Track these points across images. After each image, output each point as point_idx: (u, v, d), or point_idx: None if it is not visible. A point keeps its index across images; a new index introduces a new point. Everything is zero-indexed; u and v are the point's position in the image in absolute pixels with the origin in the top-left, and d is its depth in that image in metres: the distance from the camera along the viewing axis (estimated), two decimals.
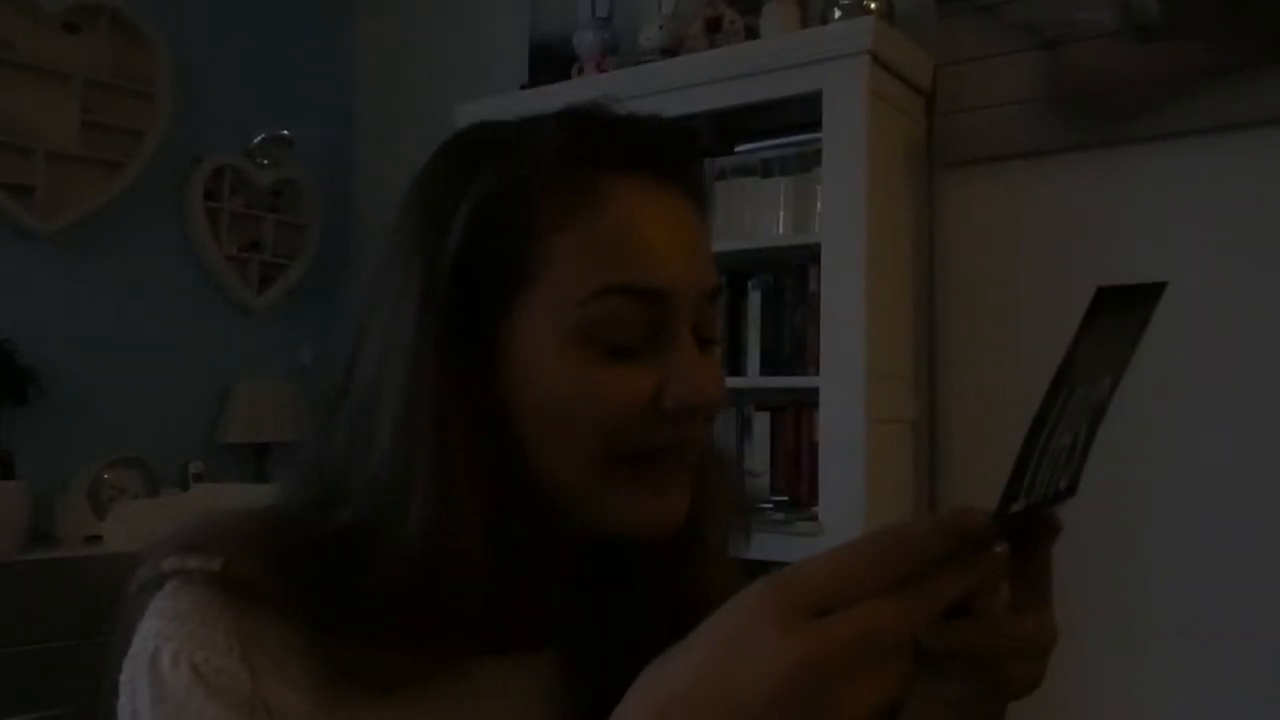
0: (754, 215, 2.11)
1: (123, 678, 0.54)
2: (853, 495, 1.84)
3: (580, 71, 2.41)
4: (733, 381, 2.09)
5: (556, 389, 0.55)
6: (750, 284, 2.12)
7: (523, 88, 2.49)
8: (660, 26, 2.31)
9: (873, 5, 2.04)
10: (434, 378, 0.55)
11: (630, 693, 0.40)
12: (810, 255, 1.98)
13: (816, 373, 1.93)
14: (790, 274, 2.07)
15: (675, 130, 0.61)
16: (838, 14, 2.05)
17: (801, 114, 1.99)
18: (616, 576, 0.63)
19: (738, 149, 2.16)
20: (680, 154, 0.61)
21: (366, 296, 0.60)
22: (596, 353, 0.55)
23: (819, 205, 1.99)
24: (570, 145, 0.58)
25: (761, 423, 2.12)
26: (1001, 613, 0.47)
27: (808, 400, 1.99)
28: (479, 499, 0.55)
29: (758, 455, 2.11)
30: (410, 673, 0.54)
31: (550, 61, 2.52)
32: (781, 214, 2.08)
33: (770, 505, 2.03)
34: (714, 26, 2.22)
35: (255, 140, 2.98)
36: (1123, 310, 0.41)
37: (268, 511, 0.59)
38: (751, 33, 2.17)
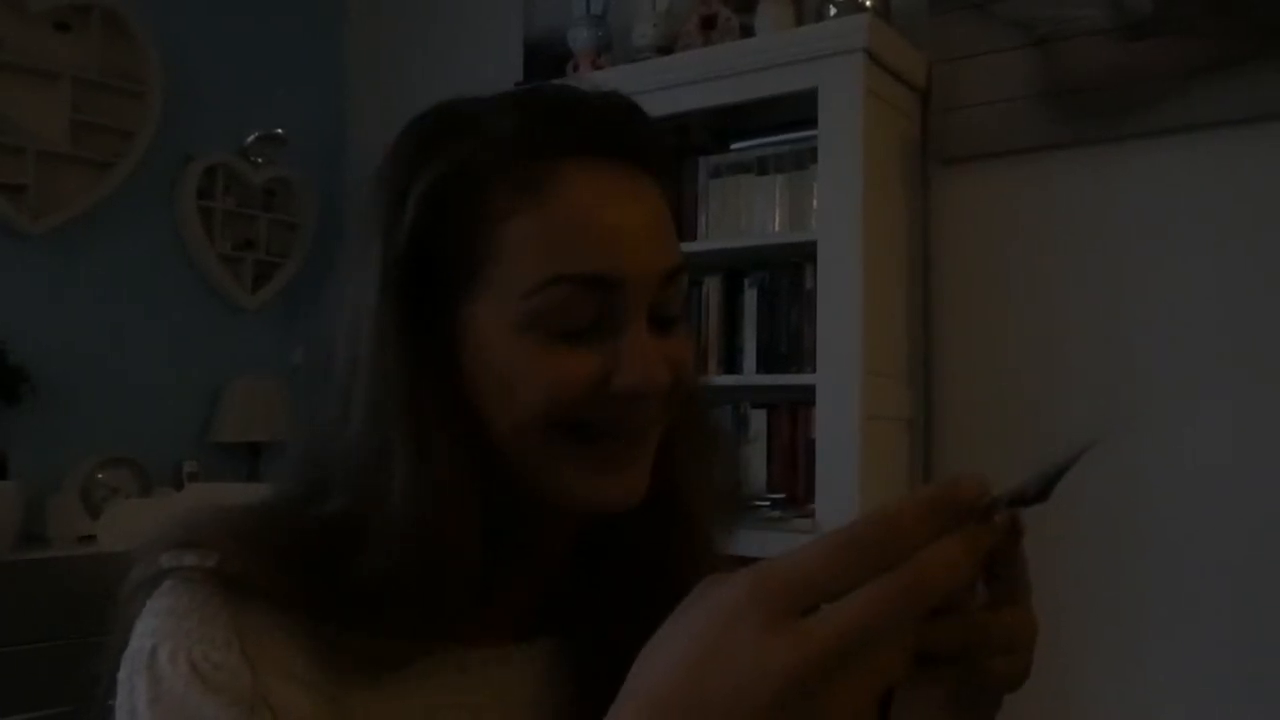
0: (749, 213, 2.11)
1: (120, 676, 0.54)
2: (848, 492, 1.83)
3: (575, 69, 2.40)
4: (729, 379, 2.09)
5: (506, 369, 0.55)
6: (746, 282, 2.12)
7: (517, 85, 2.48)
8: (655, 24, 2.31)
9: (867, 3, 2.04)
10: (399, 355, 0.55)
11: (617, 702, 0.38)
12: (806, 253, 1.98)
13: (812, 370, 1.93)
14: (786, 271, 2.07)
15: (629, 107, 0.60)
16: (832, 11, 2.06)
17: (797, 111, 1.99)
18: (606, 563, 0.63)
19: (733, 146, 2.16)
20: (636, 129, 0.60)
21: (337, 277, 0.61)
22: (546, 336, 0.55)
23: (814, 202, 1.99)
24: (522, 129, 0.57)
25: (758, 420, 2.12)
26: (981, 610, 0.45)
27: (804, 398, 1.99)
28: (457, 469, 0.55)
29: (754, 452, 2.11)
30: (406, 654, 0.54)
31: (545, 59, 2.52)
32: (777, 211, 2.08)
33: (767, 502, 2.03)
34: (709, 24, 2.22)
35: (248, 139, 2.97)
36: None
37: (258, 505, 0.60)
38: (746, 30, 2.17)
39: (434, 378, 0.56)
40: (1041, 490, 0.42)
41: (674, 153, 0.55)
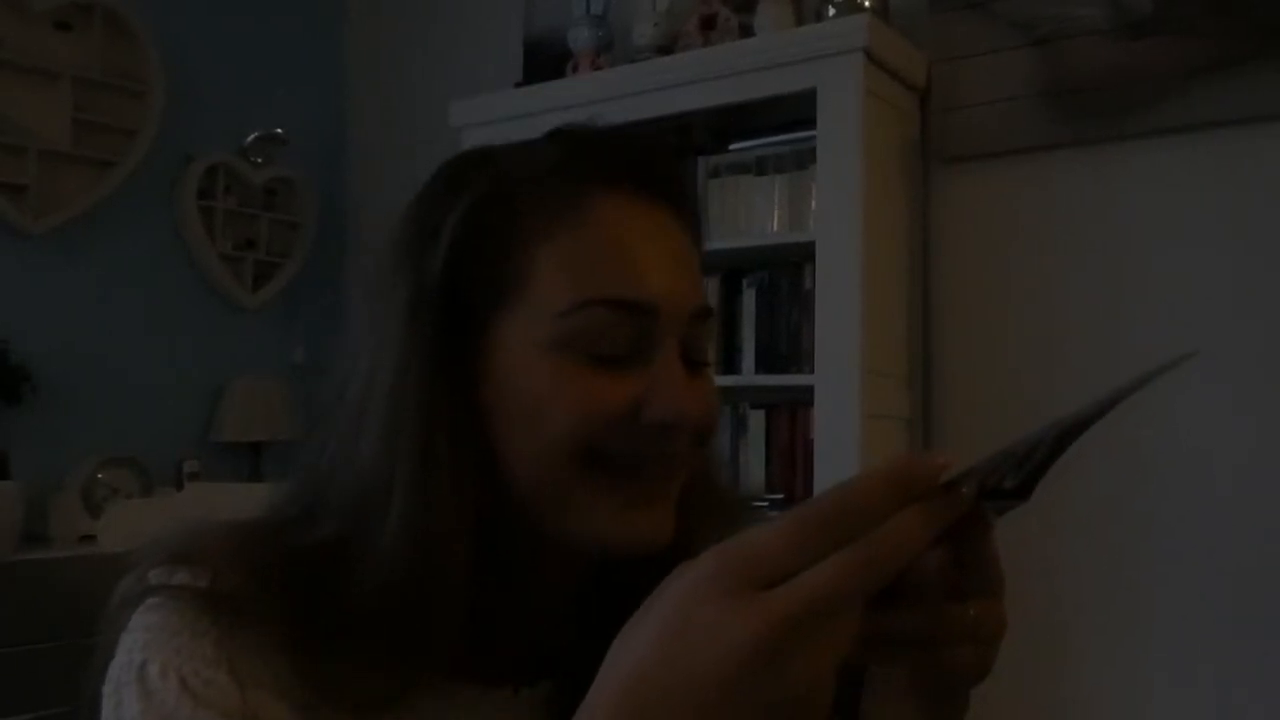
0: (749, 213, 2.11)
1: (106, 689, 0.53)
2: None
3: (575, 69, 2.40)
4: (728, 379, 2.09)
5: (536, 390, 0.55)
6: (745, 282, 2.12)
7: (517, 85, 2.48)
8: (655, 24, 2.31)
9: (866, 3, 2.04)
10: (419, 384, 0.55)
11: (595, 683, 0.39)
12: (805, 253, 1.98)
13: (811, 370, 1.93)
14: (785, 272, 2.07)
15: (665, 147, 0.62)
16: (832, 11, 2.06)
17: (796, 111, 1.99)
18: (611, 613, 0.63)
19: (732, 147, 2.16)
20: (670, 171, 0.61)
21: (361, 311, 0.61)
22: (578, 358, 0.55)
23: (813, 203, 1.99)
24: (558, 159, 0.59)
25: (757, 420, 2.12)
26: (944, 599, 0.46)
27: (803, 398, 1.99)
28: (460, 508, 0.54)
29: (753, 453, 2.12)
30: (393, 691, 0.54)
31: (545, 59, 2.51)
32: (776, 212, 2.08)
33: (765, 503, 2.03)
34: (709, 24, 2.22)
35: (249, 139, 2.97)
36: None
37: (254, 524, 0.59)
38: (746, 30, 2.17)
39: (450, 413, 0.55)
40: (1023, 486, 0.42)
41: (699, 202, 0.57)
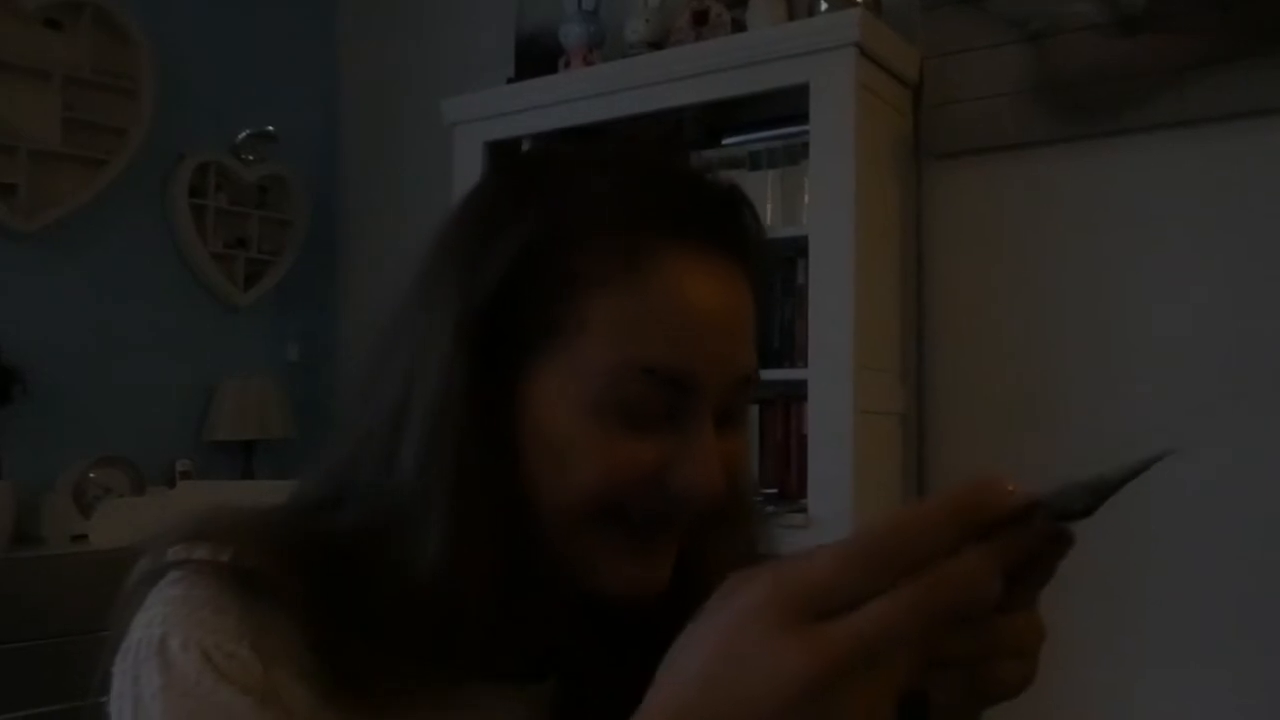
0: None
1: (120, 667, 0.53)
2: (841, 487, 1.84)
3: (567, 65, 2.40)
4: None
5: (564, 447, 0.55)
6: None
7: (509, 81, 2.48)
8: (647, 19, 2.31)
9: None
10: (460, 407, 0.55)
11: (642, 706, 0.38)
12: (798, 248, 1.98)
13: (805, 365, 1.93)
14: (778, 267, 2.07)
15: (738, 198, 0.59)
16: (824, 6, 2.06)
17: (788, 106, 1.99)
18: (618, 612, 0.62)
19: (725, 141, 2.16)
20: (743, 222, 0.59)
21: (402, 306, 0.59)
22: (611, 420, 0.54)
23: (806, 198, 1.99)
24: (623, 199, 0.56)
25: (750, 415, 2.12)
26: (990, 614, 0.43)
27: (796, 393, 1.99)
28: (493, 527, 0.54)
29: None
30: (408, 684, 0.54)
31: (536, 55, 2.51)
32: (769, 206, 2.08)
33: (759, 498, 2.03)
34: (700, 19, 2.22)
35: (240, 137, 2.97)
36: None
37: (276, 508, 0.59)
38: (738, 25, 2.17)
39: (487, 438, 0.55)
40: (1089, 505, 0.41)
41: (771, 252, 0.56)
